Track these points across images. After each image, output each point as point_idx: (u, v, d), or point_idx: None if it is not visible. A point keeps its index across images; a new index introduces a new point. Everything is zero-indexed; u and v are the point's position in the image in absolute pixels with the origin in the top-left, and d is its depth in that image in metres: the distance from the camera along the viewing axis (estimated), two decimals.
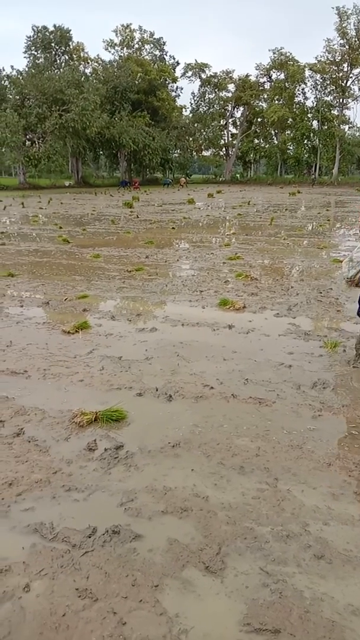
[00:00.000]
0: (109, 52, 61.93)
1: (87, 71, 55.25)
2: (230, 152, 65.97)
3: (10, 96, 46.83)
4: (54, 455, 2.99)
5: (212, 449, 3.04)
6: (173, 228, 15.94)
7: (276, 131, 62.02)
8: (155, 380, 4.06)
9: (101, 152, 61.27)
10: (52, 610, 1.95)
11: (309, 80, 58.23)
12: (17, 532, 2.36)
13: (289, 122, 59.26)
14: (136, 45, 60.98)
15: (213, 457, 2.96)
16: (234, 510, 2.51)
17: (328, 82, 56.10)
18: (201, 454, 2.99)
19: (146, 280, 7.96)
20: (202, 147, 65.71)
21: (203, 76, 62.09)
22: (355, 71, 53.68)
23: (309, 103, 59.50)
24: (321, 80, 56.49)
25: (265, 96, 62.00)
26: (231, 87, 62.88)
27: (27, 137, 45.35)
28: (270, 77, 61.39)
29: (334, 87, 55.85)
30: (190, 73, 61.96)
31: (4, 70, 48.76)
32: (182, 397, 3.74)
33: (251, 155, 66.44)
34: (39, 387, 3.98)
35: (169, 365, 4.38)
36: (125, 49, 60.31)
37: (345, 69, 53.81)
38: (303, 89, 59.57)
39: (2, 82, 48.20)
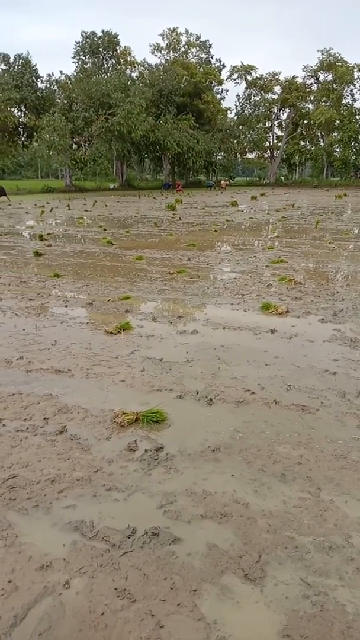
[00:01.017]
0: (155, 55, 62.34)
1: (134, 75, 55.96)
2: (275, 155, 65.31)
3: (59, 100, 48.05)
4: (95, 454, 3.03)
5: (253, 455, 3.00)
6: (215, 230, 15.91)
7: (323, 133, 60.96)
8: (196, 383, 4.05)
9: (145, 155, 61.89)
10: (91, 609, 1.97)
11: (358, 82, 56.98)
12: (59, 529, 2.40)
13: (336, 124, 58.07)
14: (182, 49, 61.33)
15: (254, 463, 2.92)
16: (274, 518, 2.47)
17: None
18: (242, 460, 2.96)
19: (188, 283, 7.97)
20: (247, 150, 65.33)
21: (249, 78, 61.77)
22: None
23: (357, 105, 58.27)
24: None
25: (312, 98, 61.07)
26: (277, 89, 62.34)
27: (74, 140, 46.34)
28: (317, 79, 60.45)
29: None
30: (236, 75, 61.80)
31: (53, 75, 50.11)
32: (223, 401, 3.72)
33: (296, 158, 65.61)
34: (81, 386, 4.04)
35: (210, 369, 4.36)
36: (171, 52, 60.77)
37: None
38: (352, 90, 58.31)
39: (52, 87, 49.49)
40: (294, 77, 60.88)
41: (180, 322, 5.85)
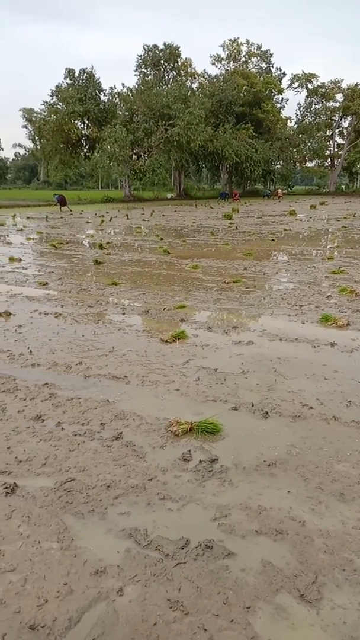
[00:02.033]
0: (216, 66, 63.02)
1: (194, 86, 56.64)
2: (335, 163, 63.99)
3: (120, 112, 49.34)
4: (149, 462, 3.05)
5: (310, 472, 2.92)
6: (273, 240, 15.74)
7: None
8: (251, 395, 4.00)
9: (203, 165, 62.31)
10: (144, 618, 1.97)
11: None
12: (113, 535, 2.42)
13: None
14: (243, 59, 61.52)
15: (311, 480, 2.84)
16: (332, 538, 2.38)
17: None
18: (298, 476, 2.88)
19: (244, 293, 7.92)
20: (306, 158, 64.39)
21: (310, 87, 60.99)
22: None
23: None
24: None
25: None
26: (339, 96, 61.12)
27: (134, 151, 47.38)
28: None
29: None
30: (296, 84, 61.22)
31: (115, 88, 51.58)
32: (279, 415, 3.65)
33: (358, 166, 63.86)
34: (137, 393, 4.09)
35: (266, 381, 4.30)
36: (231, 62, 61.08)
37: None
38: None
39: (114, 99, 50.92)
40: (357, 85, 59.49)
41: (236, 333, 5.81)
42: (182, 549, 2.32)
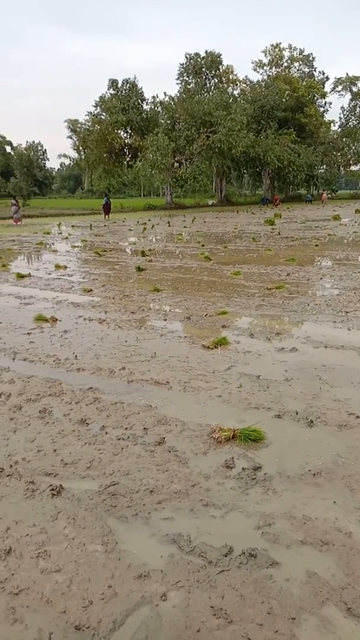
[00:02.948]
0: (257, 72, 62.71)
1: (235, 92, 56.58)
2: None
3: (162, 121, 49.88)
4: (192, 468, 3.05)
5: (357, 483, 2.84)
6: (316, 245, 15.49)
7: None
8: (295, 403, 3.94)
9: (245, 171, 62.06)
10: (187, 624, 1.97)
11: None
12: (156, 540, 2.44)
13: None
14: (285, 64, 61.02)
15: (358, 491, 2.77)
16: None
17: None
18: (344, 487, 2.81)
19: (286, 299, 7.82)
20: (351, 162, 63.01)
21: (354, 89, 59.78)
22: None
23: None
24: None
25: None
26: None
27: (176, 159, 47.74)
28: None
29: None
30: (340, 87, 60.09)
31: (157, 97, 52.20)
32: (325, 424, 3.57)
33: None
34: (179, 399, 4.10)
35: (310, 389, 4.22)
36: (273, 68, 60.71)
37: None
38: None
39: (156, 108, 51.56)
40: None
41: (279, 339, 5.74)
42: (226, 556, 2.31)
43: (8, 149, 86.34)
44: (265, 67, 60.97)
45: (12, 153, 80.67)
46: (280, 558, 2.29)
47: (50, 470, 3.05)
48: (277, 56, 60.52)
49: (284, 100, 55.61)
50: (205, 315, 6.91)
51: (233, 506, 2.67)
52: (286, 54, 60.58)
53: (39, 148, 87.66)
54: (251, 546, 2.36)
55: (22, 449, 3.33)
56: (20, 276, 10.33)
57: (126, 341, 5.73)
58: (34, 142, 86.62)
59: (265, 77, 59.73)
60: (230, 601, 2.07)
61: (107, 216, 34.63)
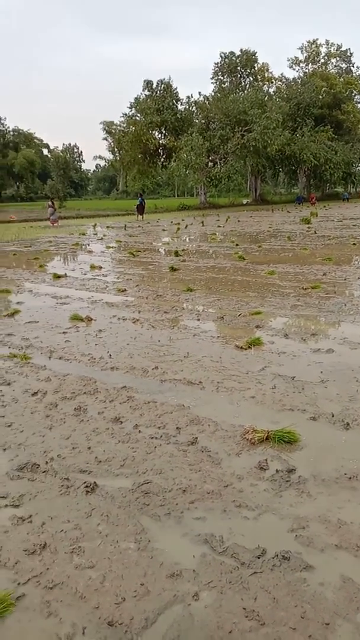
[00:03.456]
0: (293, 69, 62.05)
1: (271, 90, 56.06)
2: None
3: (197, 121, 49.87)
4: (225, 469, 3.04)
5: None
6: (354, 244, 15.17)
7: None
8: (331, 406, 3.87)
9: (280, 169, 61.40)
10: (219, 624, 1.96)
11: None
12: (189, 540, 2.44)
13: None
14: (322, 60, 60.06)
15: None
16: None
17: None
18: None
19: (323, 299, 7.69)
20: None
21: None
22: None
23: None
24: None
25: None
26: None
27: (210, 158, 47.65)
28: None
29: None
30: None
31: (192, 97, 52.23)
32: None
33: None
34: (212, 399, 4.10)
35: (347, 391, 4.14)
36: (310, 64, 59.84)
37: None
38: None
39: (190, 108, 51.58)
40: None
41: (314, 340, 5.66)
42: (259, 558, 2.29)
43: (45, 151, 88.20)
44: (301, 64, 60.19)
45: (49, 156, 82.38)
46: (314, 562, 2.26)
47: (84, 468, 3.10)
48: (314, 53, 59.63)
49: (321, 97, 54.73)
50: (239, 315, 6.87)
51: (266, 508, 2.65)
52: (323, 50, 59.66)
53: (75, 150, 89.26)
54: (284, 549, 2.33)
55: (57, 445, 3.39)
56: (57, 276, 10.52)
57: (159, 341, 5.76)
58: (70, 144, 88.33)
59: (302, 74, 58.97)
60: (262, 603, 2.05)
61: (140, 216, 34.85)
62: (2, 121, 77.50)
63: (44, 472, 3.07)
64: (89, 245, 18.30)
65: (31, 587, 2.16)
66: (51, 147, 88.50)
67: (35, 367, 4.97)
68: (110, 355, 5.27)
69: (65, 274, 10.90)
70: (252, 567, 2.24)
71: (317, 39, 59.96)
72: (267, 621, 1.96)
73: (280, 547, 2.35)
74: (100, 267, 11.97)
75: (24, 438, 3.51)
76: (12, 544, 2.43)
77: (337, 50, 59.87)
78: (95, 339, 5.90)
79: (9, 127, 79.43)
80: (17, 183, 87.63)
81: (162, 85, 50.90)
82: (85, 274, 11.04)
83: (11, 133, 79.75)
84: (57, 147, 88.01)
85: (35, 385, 4.48)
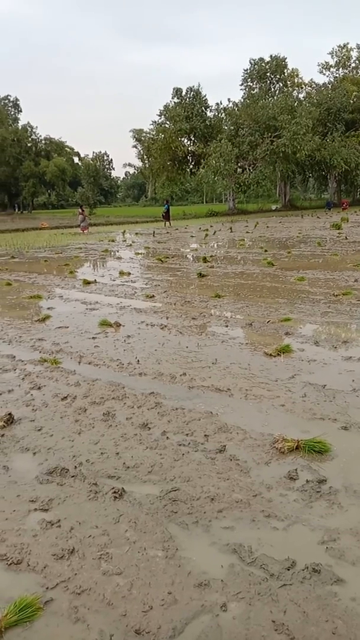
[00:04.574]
0: (324, 74, 61.44)
1: (301, 96, 55.68)
2: None
3: (226, 127, 49.90)
4: (254, 478, 3.00)
5: None
6: None
7: None
8: None
9: (310, 175, 60.85)
10: (247, 637, 1.93)
11: None
12: (217, 549, 2.41)
13: None
14: (353, 64, 59.33)
15: None
16: None
17: None
18: None
19: (354, 305, 7.55)
20: None
21: None
22: None
23: None
24: None
25: None
26: None
27: (239, 164, 47.58)
28: None
29: None
30: None
31: (221, 103, 52.28)
32: None
33: None
34: (240, 407, 4.06)
35: None
36: (340, 69, 59.22)
37: None
38: None
39: (219, 114, 51.67)
40: None
41: (345, 348, 5.55)
42: (288, 570, 2.24)
43: (76, 159, 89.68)
44: (331, 69, 59.56)
45: (80, 164, 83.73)
46: (346, 575, 2.20)
47: (112, 473, 3.11)
48: (345, 57, 58.93)
49: (352, 101, 53.99)
50: (268, 321, 6.81)
51: (296, 519, 2.60)
52: (354, 54, 58.84)
53: (105, 158, 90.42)
54: (315, 561, 2.28)
55: (86, 450, 3.41)
56: (87, 282, 10.65)
57: (187, 347, 5.75)
58: (100, 152, 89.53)
59: (332, 79, 58.37)
60: (292, 617, 2.00)
61: (168, 223, 35.00)
62: (34, 130, 79.20)
63: (73, 476, 3.09)
64: (118, 251, 18.47)
65: (59, 592, 2.17)
66: (82, 155, 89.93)
67: (65, 371, 5.02)
68: (138, 361, 5.29)
69: (95, 280, 11.02)
70: (281, 579, 2.19)
71: (347, 43, 59.26)
72: (297, 636, 1.92)
73: (311, 559, 2.30)
74: (129, 274, 12.06)
75: (53, 442, 3.55)
76: (41, 548, 2.45)
77: None
78: (124, 345, 5.93)
79: (40, 136, 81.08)
80: (49, 191, 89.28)
81: (192, 93, 51.14)
82: (114, 280, 11.14)
83: (43, 142, 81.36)
84: (88, 155, 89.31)
85: (65, 390, 4.53)
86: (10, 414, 3.92)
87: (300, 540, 2.45)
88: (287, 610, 2.04)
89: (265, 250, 16.30)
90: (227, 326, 6.72)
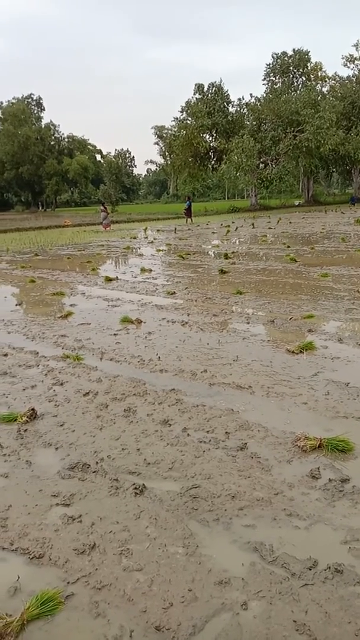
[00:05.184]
0: (348, 67, 60.41)
1: (324, 89, 54.89)
2: None
3: (248, 122, 49.51)
4: (275, 476, 2.97)
5: None
6: None
7: None
8: None
9: (334, 170, 59.99)
10: (268, 636, 1.91)
11: None
12: (238, 547, 2.39)
13: None
14: None
15: None
16: None
17: None
18: None
19: None
20: None
21: None
22: None
23: None
24: None
25: None
26: None
27: (261, 160, 47.18)
28: None
29: None
30: None
31: (243, 99, 51.86)
32: None
33: None
34: (262, 404, 4.02)
35: None
36: None
37: None
38: None
39: (241, 110, 51.28)
40: None
41: None
42: (310, 569, 2.22)
43: (98, 157, 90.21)
44: (356, 62, 58.44)
45: (102, 161, 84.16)
46: None
47: (133, 469, 3.11)
48: None
49: None
50: (290, 318, 6.74)
51: (318, 518, 2.57)
52: None
53: (127, 155, 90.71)
54: (337, 561, 2.24)
55: (107, 446, 3.43)
56: (108, 279, 10.71)
57: (208, 344, 5.73)
58: (122, 149, 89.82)
59: (357, 72, 57.32)
60: (314, 617, 1.98)
61: (190, 219, 34.91)
62: (57, 128, 79.94)
63: (94, 472, 3.11)
64: (139, 248, 18.52)
65: (80, 587, 2.19)
66: (104, 153, 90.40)
67: (87, 367, 5.06)
68: (159, 357, 5.29)
69: (117, 277, 11.07)
70: (303, 579, 2.17)
71: None
72: (319, 637, 1.89)
73: (333, 559, 2.26)
74: (150, 270, 12.08)
75: (75, 438, 3.58)
76: (62, 542, 2.47)
77: None
78: (145, 341, 5.94)
79: (63, 134, 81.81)
80: (72, 189, 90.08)
81: (214, 88, 50.85)
82: (135, 277, 11.17)
83: (66, 140, 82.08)
84: (110, 152, 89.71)
85: (87, 386, 4.56)
86: (33, 409, 3.97)
87: (322, 539, 2.42)
88: (308, 611, 2.01)
89: (288, 246, 16.14)
90: (248, 323, 6.68)
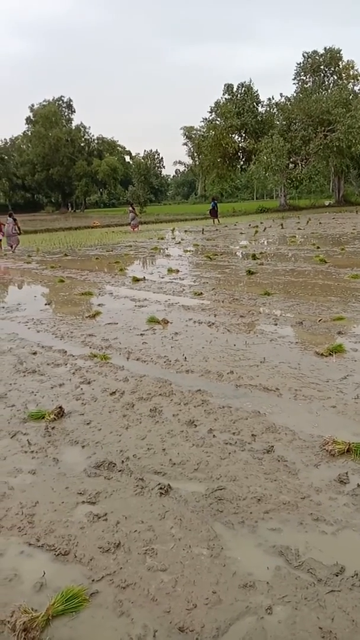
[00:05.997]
0: None
1: (356, 88, 53.92)
2: None
3: (277, 122, 49.07)
4: (302, 480, 2.93)
5: None
6: None
7: None
8: None
9: None
10: None
11: None
12: (263, 551, 2.37)
13: None
14: None
15: None
16: None
17: None
18: None
19: None
20: None
21: None
22: None
23: None
24: None
25: None
26: None
27: (291, 160, 46.68)
28: None
29: None
30: None
31: (273, 98, 51.43)
32: None
33: None
34: (289, 407, 3.98)
35: None
36: None
37: None
38: None
39: (271, 110, 50.86)
40: None
41: None
42: (337, 576, 2.18)
43: (127, 158, 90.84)
44: None
45: (131, 162, 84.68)
46: None
47: (159, 469, 3.12)
48: None
49: None
50: (319, 320, 6.64)
51: (346, 524, 2.52)
52: None
53: (156, 156, 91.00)
54: None
55: (133, 445, 3.44)
56: (136, 280, 10.77)
57: (235, 345, 5.70)
58: (151, 150, 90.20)
59: None
60: (340, 625, 1.94)
61: (217, 220, 34.77)
62: (87, 130, 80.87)
63: (120, 471, 3.12)
64: (167, 249, 18.57)
65: (105, 585, 2.20)
66: (133, 154, 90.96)
67: (114, 367, 5.10)
68: (185, 358, 5.29)
69: (144, 277, 11.12)
70: (329, 585, 2.13)
71: None
72: None
73: None
74: (178, 271, 12.09)
75: (101, 436, 3.61)
76: (88, 540, 2.49)
77: None
78: (171, 342, 5.95)
79: (93, 136, 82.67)
80: (101, 190, 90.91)
81: (243, 89, 50.60)
82: (162, 278, 11.20)
83: (95, 141, 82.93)
84: (139, 153, 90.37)
85: (114, 385, 4.59)
86: (60, 407, 4.02)
87: (349, 545, 2.37)
88: (335, 618, 1.97)
89: (318, 247, 15.92)
90: (276, 324, 6.61)
